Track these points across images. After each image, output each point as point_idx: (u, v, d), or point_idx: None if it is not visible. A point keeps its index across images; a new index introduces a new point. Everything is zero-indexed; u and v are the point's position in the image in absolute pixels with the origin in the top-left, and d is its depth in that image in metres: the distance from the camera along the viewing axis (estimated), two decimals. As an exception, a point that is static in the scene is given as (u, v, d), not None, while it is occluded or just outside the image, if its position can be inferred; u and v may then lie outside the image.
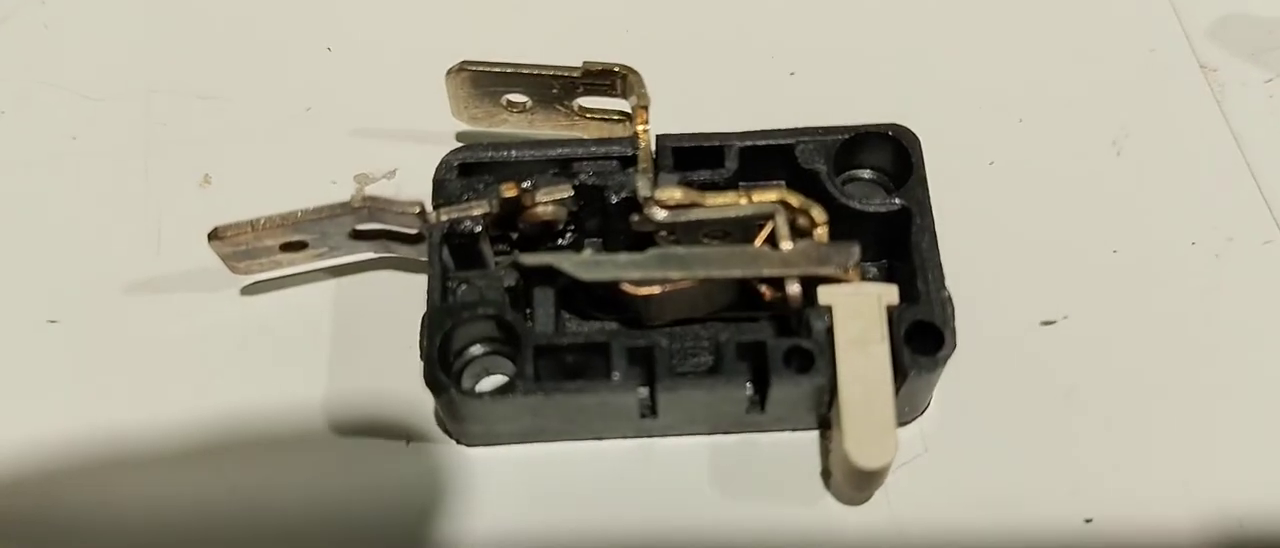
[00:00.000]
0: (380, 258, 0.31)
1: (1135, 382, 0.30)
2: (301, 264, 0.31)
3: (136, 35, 0.36)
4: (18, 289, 0.32)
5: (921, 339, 0.27)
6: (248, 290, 0.32)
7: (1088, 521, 0.28)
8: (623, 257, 0.28)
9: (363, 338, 0.31)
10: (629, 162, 0.29)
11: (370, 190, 0.32)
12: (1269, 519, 0.28)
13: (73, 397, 0.30)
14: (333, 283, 0.32)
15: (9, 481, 0.29)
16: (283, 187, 0.33)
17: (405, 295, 0.31)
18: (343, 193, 0.32)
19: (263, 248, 0.29)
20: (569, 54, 0.31)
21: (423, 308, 0.30)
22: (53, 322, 0.31)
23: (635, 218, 0.29)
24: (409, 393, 0.30)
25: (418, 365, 0.29)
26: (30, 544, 0.28)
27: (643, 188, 0.29)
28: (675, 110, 0.31)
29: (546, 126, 0.32)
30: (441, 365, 0.27)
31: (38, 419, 0.30)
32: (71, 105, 0.35)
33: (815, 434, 0.29)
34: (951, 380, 0.29)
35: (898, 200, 0.29)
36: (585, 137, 0.32)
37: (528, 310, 0.29)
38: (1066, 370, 0.30)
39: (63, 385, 0.31)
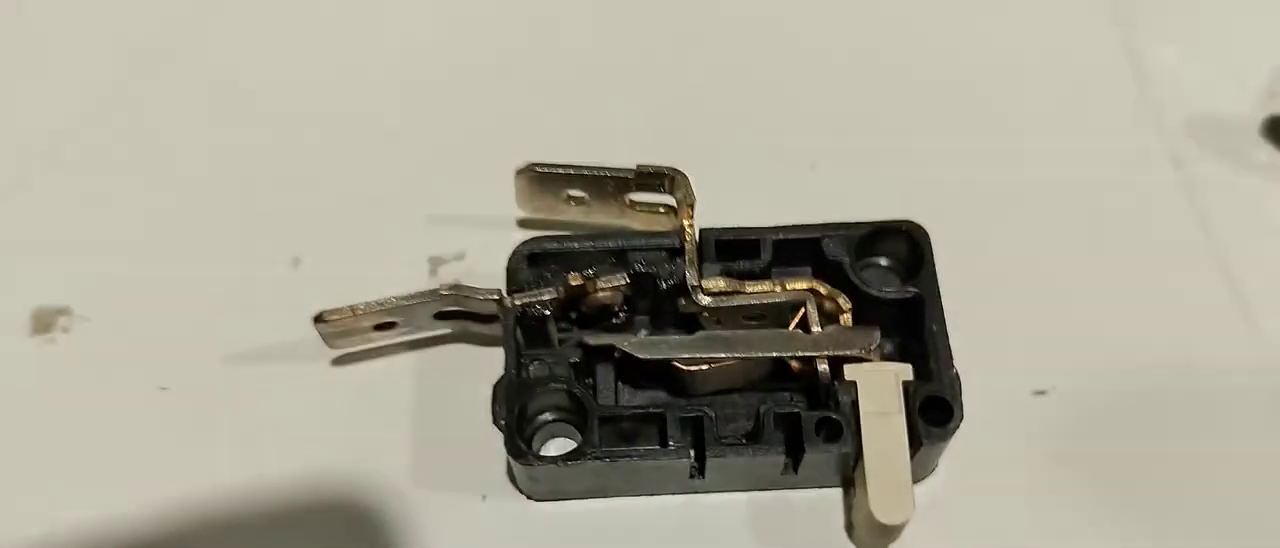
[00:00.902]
0: (456, 334, 0.35)
1: (1116, 444, 0.34)
2: (389, 339, 0.35)
3: (229, 129, 0.40)
4: (133, 360, 0.35)
5: (933, 412, 0.31)
6: (337, 362, 0.35)
7: (1079, 568, 0.32)
8: (674, 338, 0.33)
9: (440, 405, 0.35)
10: (676, 252, 0.33)
11: (444, 272, 0.37)
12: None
13: (182, 458, 0.34)
14: (412, 355, 0.36)
15: (129, 536, 0.33)
16: (363, 267, 0.37)
17: (477, 367, 0.35)
18: (417, 273, 0.37)
19: (359, 328, 0.33)
20: (619, 155, 0.35)
21: (493, 378, 0.34)
22: (164, 389, 0.35)
23: (682, 302, 0.33)
24: (483, 453, 0.34)
25: (490, 428, 0.33)
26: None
27: (691, 277, 0.33)
28: (715, 199, 0.34)
29: (600, 217, 0.36)
30: (518, 433, 0.32)
31: (151, 479, 0.34)
32: (172, 193, 0.39)
33: (840, 492, 0.33)
34: (957, 444, 0.32)
35: (911, 289, 0.33)
36: (635, 227, 0.36)
37: (590, 382, 0.33)
38: (1057, 435, 0.34)
39: (173, 447, 0.34)
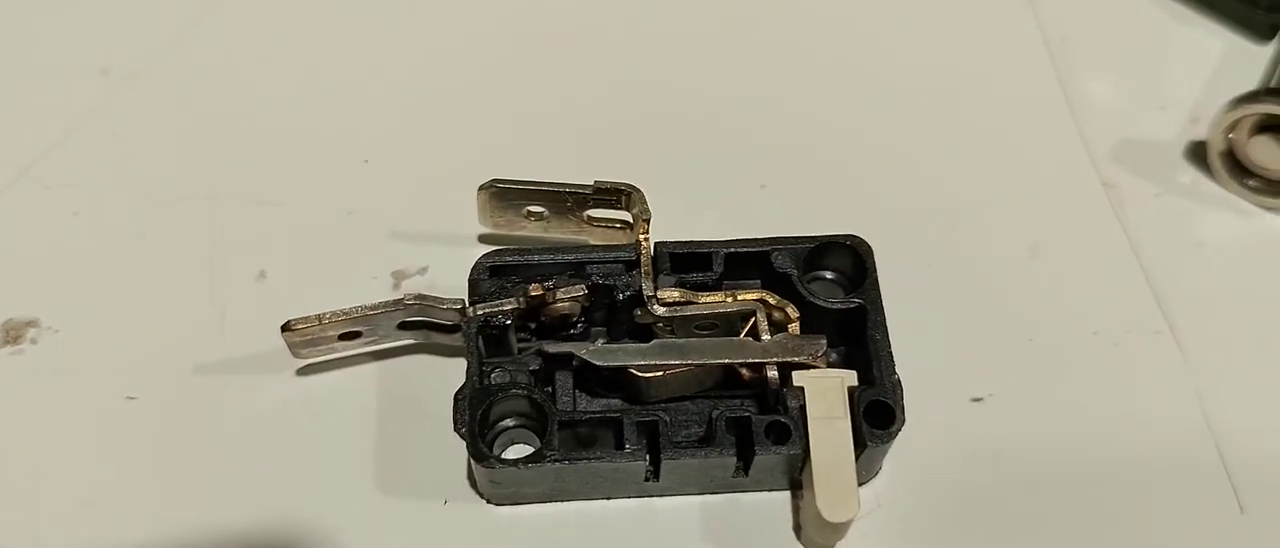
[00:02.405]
0: (418, 344, 0.37)
1: (1048, 448, 0.35)
2: (353, 349, 0.36)
3: (196, 146, 0.41)
4: (101, 370, 0.36)
5: (876, 415, 0.33)
6: (302, 372, 0.36)
7: (1012, 564, 0.34)
8: (631, 346, 0.34)
9: (403, 413, 0.36)
10: (632, 264, 0.35)
11: (408, 286, 0.38)
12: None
13: (150, 466, 0.35)
14: (376, 366, 0.37)
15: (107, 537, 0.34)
16: (328, 282, 0.38)
17: (439, 377, 0.36)
18: (381, 287, 0.38)
19: (324, 337, 0.35)
20: (578, 175, 0.36)
21: (454, 388, 0.35)
22: (131, 398, 0.36)
23: (638, 312, 0.34)
24: (445, 460, 0.35)
25: (451, 436, 0.34)
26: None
27: (646, 287, 0.34)
28: (668, 219, 0.36)
29: (558, 233, 0.37)
30: (480, 437, 0.33)
31: (119, 486, 0.34)
32: (141, 208, 0.40)
33: (788, 495, 0.35)
34: (899, 446, 0.34)
35: (855, 299, 0.35)
36: (593, 242, 0.37)
37: (549, 390, 0.35)
38: (992, 438, 0.36)
39: (141, 455, 0.35)
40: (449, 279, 0.36)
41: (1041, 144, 0.42)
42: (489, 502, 0.35)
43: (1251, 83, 0.41)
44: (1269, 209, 0.40)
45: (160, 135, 0.42)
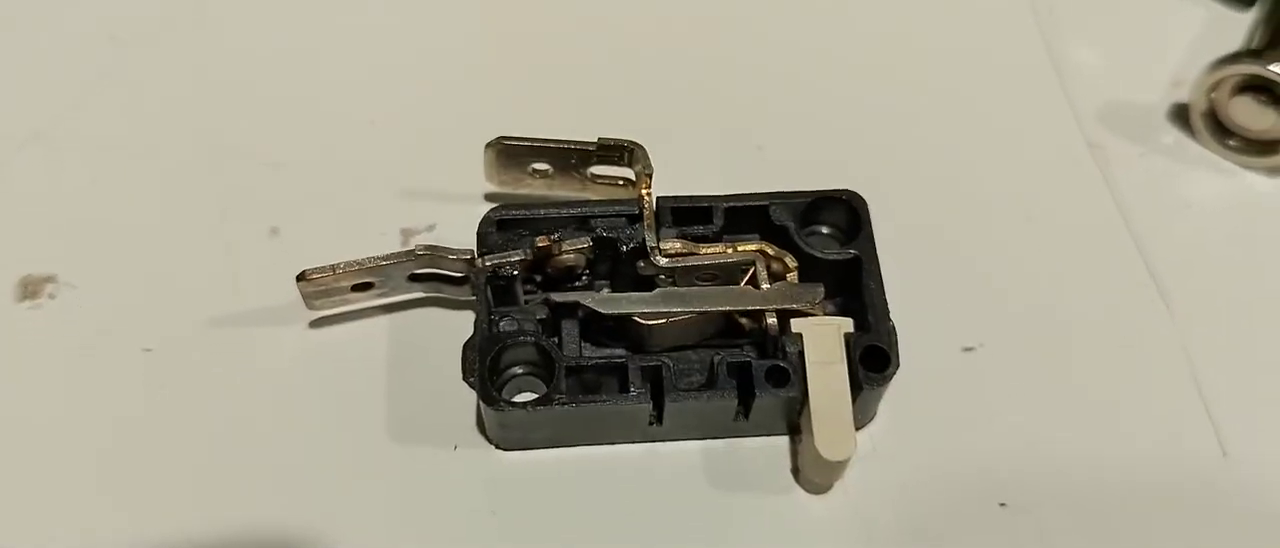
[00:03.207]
0: (428, 297, 0.38)
1: (1036, 397, 0.37)
2: (365, 302, 0.37)
3: (205, 109, 0.42)
4: (117, 324, 0.37)
5: (872, 360, 0.34)
6: (315, 325, 0.37)
7: (1002, 504, 0.35)
8: (635, 295, 0.35)
9: (414, 363, 0.37)
10: (635, 218, 0.36)
11: (417, 241, 0.39)
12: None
13: (166, 416, 0.36)
14: (386, 318, 0.38)
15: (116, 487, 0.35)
16: (338, 239, 0.38)
17: (448, 328, 0.37)
18: (391, 244, 0.39)
19: (338, 288, 0.36)
20: (582, 134, 0.37)
21: (462, 338, 0.36)
22: (148, 351, 0.37)
23: (641, 264, 0.35)
24: (454, 408, 0.36)
25: (460, 385, 0.35)
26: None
27: (649, 239, 0.35)
28: (670, 175, 0.37)
29: (563, 190, 0.38)
30: (490, 383, 0.34)
31: (137, 435, 0.35)
32: (154, 168, 0.41)
33: (786, 440, 0.36)
34: (893, 394, 0.35)
35: (851, 251, 0.36)
36: (595, 198, 0.38)
37: (556, 339, 0.36)
38: (983, 387, 0.37)
39: (157, 405, 0.36)
40: (457, 236, 0.37)
41: (1029, 107, 0.44)
42: (497, 447, 0.36)
43: (1232, 47, 0.42)
44: (1249, 168, 0.42)
45: (171, 99, 0.43)
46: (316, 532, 0.34)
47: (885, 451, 0.36)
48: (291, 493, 0.35)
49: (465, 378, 0.36)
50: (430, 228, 0.40)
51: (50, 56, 0.44)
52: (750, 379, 0.34)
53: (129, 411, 0.36)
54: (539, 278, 0.36)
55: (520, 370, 0.35)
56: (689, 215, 0.36)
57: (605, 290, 0.36)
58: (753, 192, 0.37)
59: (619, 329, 0.36)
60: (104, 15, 0.45)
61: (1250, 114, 0.41)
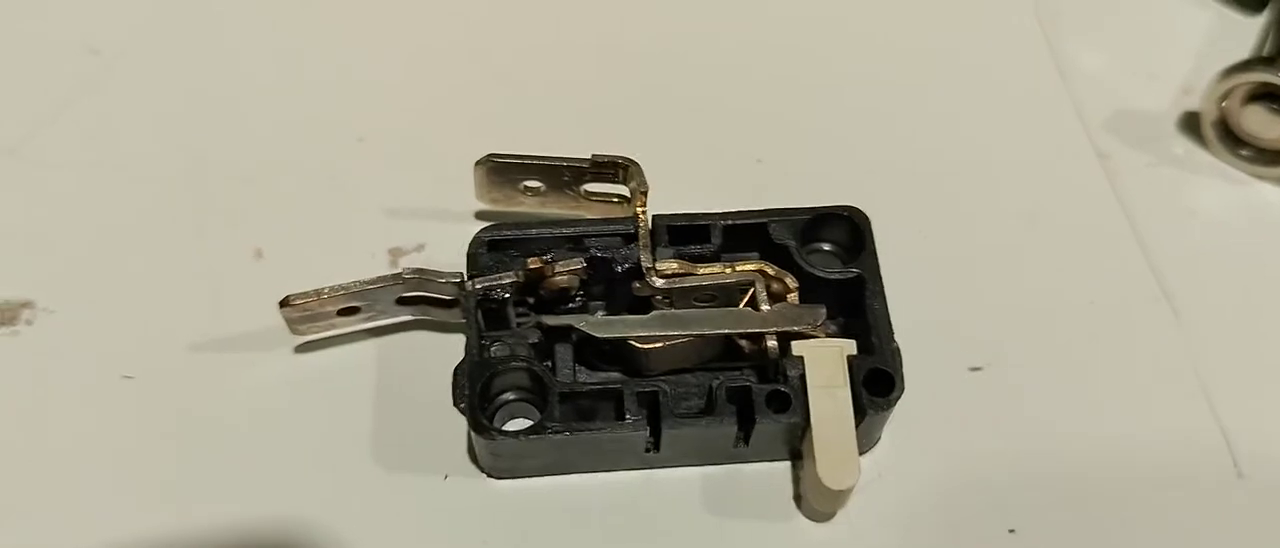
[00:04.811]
0: (417, 320, 0.36)
1: (1046, 417, 0.36)
2: (351, 326, 0.36)
3: (190, 126, 0.41)
4: (97, 350, 0.36)
5: (876, 384, 0.33)
6: (301, 349, 0.36)
7: (1011, 531, 0.34)
8: (630, 318, 0.34)
9: (402, 389, 0.36)
10: (631, 238, 0.35)
11: (405, 263, 0.38)
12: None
13: (147, 445, 0.35)
14: (375, 342, 0.36)
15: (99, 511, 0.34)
16: (325, 260, 0.37)
17: (438, 353, 0.36)
18: (379, 265, 0.38)
19: (323, 313, 0.34)
20: (574, 152, 0.36)
21: (453, 362, 0.35)
22: (128, 378, 0.36)
23: (637, 285, 0.34)
24: (445, 435, 0.35)
25: (451, 411, 0.34)
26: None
27: (645, 260, 0.34)
28: (667, 192, 0.36)
29: (555, 208, 0.37)
30: (480, 410, 0.33)
31: (117, 465, 0.34)
32: (136, 188, 0.39)
33: (788, 465, 0.35)
34: (898, 417, 0.34)
35: (853, 269, 0.35)
36: (589, 216, 0.37)
37: (549, 364, 0.35)
38: (991, 408, 0.36)
39: (138, 435, 0.35)
40: (446, 257, 0.36)
41: (1035, 116, 0.42)
42: (489, 476, 0.35)
43: (1243, 53, 0.41)
44: (1261, 178, 0.41)
45: (153, 115, 0.42)
46: (301, 562, 0.33)
47: (890, 476, 0.35)
48: (277, 524, 0.34)
49: (456, 404, 0.35)
50: (419, 248, 0.39)
51: (27, 70, 0.43)
52: (750, 405, 0.33)
53: (109, 440, 0.35)
54: (532, 300, 0.35)
55: (512, 397, 0.34)
56: (686, 234, 0.35)
57: (600, 313, 0.35)
58: (752, 209, 0.36)
59: (614, 353, 0.34)
60: (83, 28, 0.43)
61: (1262, 123, 0.40)
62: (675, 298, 0.34)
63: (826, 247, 0.37)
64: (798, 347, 0.33)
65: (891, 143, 0.42)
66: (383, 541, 0.34)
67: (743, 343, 0.34)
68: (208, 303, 0.37)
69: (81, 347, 0.36)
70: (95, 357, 0.36)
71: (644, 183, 0.35)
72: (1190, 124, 0.42)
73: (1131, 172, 0.41)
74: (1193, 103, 0.42)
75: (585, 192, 0.37)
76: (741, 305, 0.34)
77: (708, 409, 0.33)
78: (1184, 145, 0.42)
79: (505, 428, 0.33)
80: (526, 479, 0.35)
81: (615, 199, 0.37)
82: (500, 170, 0.36)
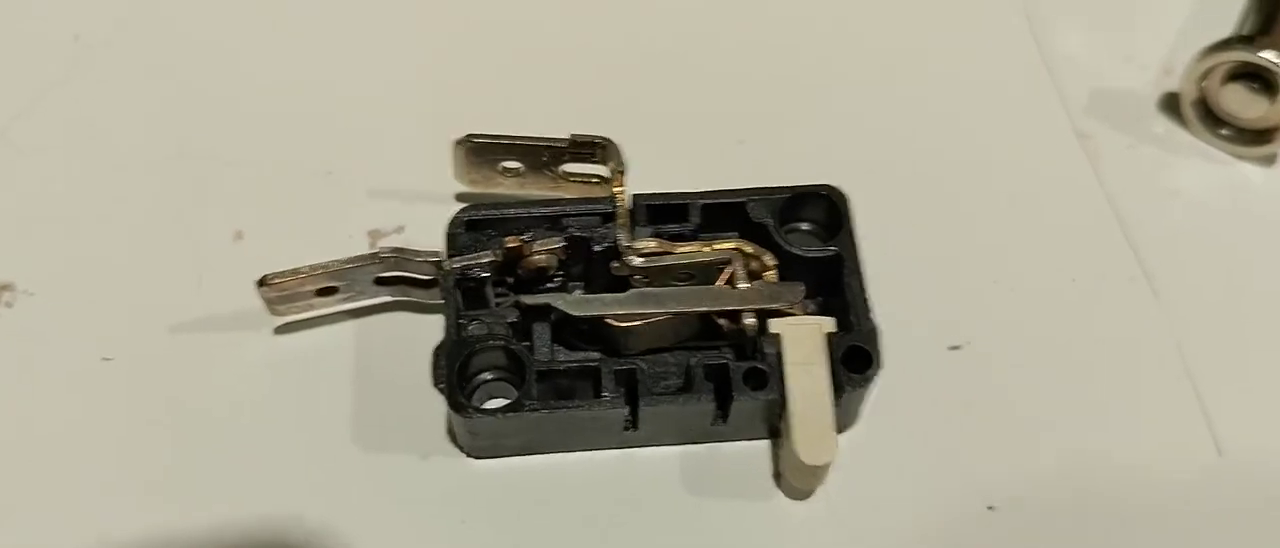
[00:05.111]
0: (395, 301, 0.36)
1: (1026, 395, 0.36)
2: (330, 307, 0.36)
3: (171, 109, 0.41)
4: (77, 333, 0.36)
5: (854, 361, 0.33)
6: (281, 331, 0.36)
7: (990, 507, 0.34)
8: (608, 296, 0.34)
9: (381, 370, 0.36)
10: (609, 217, 0.35)
11: (389, 243, 0.38)
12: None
13: (127, 427, 0.35)
14: (353, 323, 0.36)
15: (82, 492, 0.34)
16: (304, 242, 0.37)
17: (417, 334, 0.36)
18: (358, 247, 0.38)
19: (302, 293, 0.34)
20: (554, 127, 0.36)
21: (432, 343, 0.35)
22: (108, 359, 0.36)
23: (615, 264, 0.34)
24: (424, 416, 0.35)
25: (430, 392, 0.34)
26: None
27: (623, 239, 0.34)
28: (646, 172, 0.36)
29: (535, 189, 0.37)
30: (458, 389, 0.33)
31: (97, 447, 0.34)
32: (116, 171, 0.39)
33: (767, 443, 0.35)
34: (878, 395, 0.34)
35: (832, 247, 0.35)
36: (568, 197, 0.37)
37: (527, 343, 0.35)
38: (970, 386, 0.36)
39: (118, 417, 0.35)
40: (426, 239, 0.36)
41: (1016, 97, 0.42)
42: (468, 455, 0.35)
43: (1223, 34, 0.41)
44: (1242, 157, 0.41)
45: (134, 98, 0.41)
46: (283, 545, 0.33)
47: (869, 453, 0.35)
48: (257, 505, 0.34)
49: (435, 384, 0.35)
50: (399, 230, 0.38)
51: (8, 56, 0.42)
52: (728, 382, 0.33)
53: (89, 422, 0.35)
54: (510, 280, 0.35)
55: (490, 376, 0.34)
56: (664, 213, 0.35)
57: (578, 292, 0.35)
58: (730, 188, 0.36)
59: (593, 333, 0.34)
60: (65, 13, 0.43)
61: (1242, 102, 0.40)
62: (653, 277, 0.34)
63: (805, 226, 0.37)
64: (775, 324, 0.33)
65: (874, 125, 0.41)
66: (362, 521, 0.33)
67: (721, 322, 0.34)
68: (188, 286, 0.37)
69: (61, 329, 0.36)
70: (75, 339, 0.36)
71: (622, 163, 0.35)
72: (1171, 104, 0.42)
73: (1112, 152, 0.41)
74: (1173, 83, 0.42)
75: (564, 172, 0.37)
76: (719, 283, 0.34)
77: (685, 387, 0.33)
78: (1164, 125, 0.42)
79: (483, 407, 0.33)
80: (505, 459, 0.35)
81: (594, 179, 0.37)
82: (479, 151, 0.36)
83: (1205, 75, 0.40)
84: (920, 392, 0.36)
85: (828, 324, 0.33)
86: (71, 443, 0.35)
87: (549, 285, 0.35)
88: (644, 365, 0.33)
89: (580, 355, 0.35)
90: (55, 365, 0.36)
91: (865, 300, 0.34)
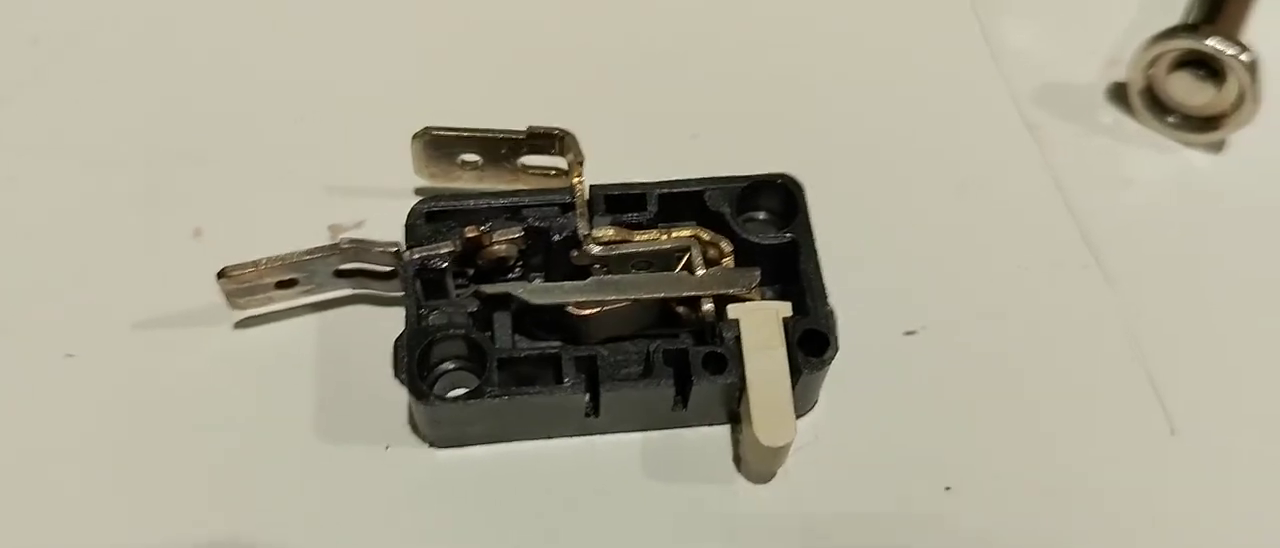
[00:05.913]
0: (356, 294, 0.37)
1: (980, 379, 0.36)
2: (290, 300, 0.36)
3: (130, 108, 0.41)
4: (39, 330, 0.36)
5: (811, 344, 0.33)
6: (241, 325, 0.36)
7: (947, 488, 0.35)
8: (567, 284, 0.34)
9: (343, 362, 0.36)
10: (568, 207, 0.35)
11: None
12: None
13: (90, 420, 0.35)
14: (314, 316, 0.37)
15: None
16: (264, 238, 0.36)
17: (378, 326, 0.36)
18: (318, 241, 0.38)
19: (261, 285, 0.35)
20: (511, 120, 0.37)
21: (393, 335, 0.35)
22: (70, 356, 0.36)
23: (574, 253, 0.35)
24: (386, 407, 0.35)
25: (392, 383, 0.34)
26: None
27: (582, 228, 0.35)
28: (603, 165, 0.36)
29: (494, 182, 0.37)
30: (420, 378, 0.33)
31: (60, 440, 0.34)
32: (76, 171, 0.39)
33: (727, 429, 0.35)
34: (834, 381, 0.35)
35: (788, 235, 0.35)
36: (527, 189, 0.37)
37: (489, 333, 0.35)
38: (925, 371, 0.36)
39: (81, 412, 0.35)
40: (386, 233, 0.36)
41: (965, 88, 0.43)
42: (431, 445, 0.35)
43: (1169, 23, 0.42)
44: (1189, 144, 0.42)
45: (93, 99, 0.41)
46: (246, 538, 0.33)
47: (827, 437, 0.35)
48: (219, 498, 0.34)
49: (397, 375, 0.35)
50: (359, 225, 0.39)
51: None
52: (687, 366, 0.33)
53: (50, 418, 0.35)
54: (471, 271, 0.35)
55: (452, 366, 0.34)
56: (623, 203, 0.36)
57: (538, 281, 0.35)
58: (688, 178, 0.36)
59: (554, 323, 0.35)
60: (23, 17, 0.43)
61: (1188, 90, 0.41)
62: (612, 265, 0.35)
63: (762, 215, 0.37)
64: (733, 309, 0.33)
65: (827, 117, 0.42)
66: (325, 512, 0.34)
67: (680, 310, 0.35)
68: (148, 282, 0.37)
69: (22, 326, 0.36)
70: (36, 336, 0.36)
71: (580, 153, 0.36)
72: (1118, 94, 0.43)
73: (1061, 142, 0.42)
74: (1120, 73, 0.43)
75: (523, 164, 0.37)
76: (678, 270, 0.35)
77: (646, 373, 0.34)
78: (1112, 115, 0.42)
79: (444, 395, 0.34)
80: (468, 448, 0.35)
81: (553, 171, 0.37)
82: (438, 144, 0.37)
83: (1152, 64, 0.41)
84: (877, 376, 0.36)
85: (785, 309, 0.34)
86: (33, 437, 0.35)
87: (510, 276, 0.36)
88: (604, 353, 0.33)
89: (541, 344, 0.35)
90: (18, 362, 0.36)
91: (821, 286, 0.34)
